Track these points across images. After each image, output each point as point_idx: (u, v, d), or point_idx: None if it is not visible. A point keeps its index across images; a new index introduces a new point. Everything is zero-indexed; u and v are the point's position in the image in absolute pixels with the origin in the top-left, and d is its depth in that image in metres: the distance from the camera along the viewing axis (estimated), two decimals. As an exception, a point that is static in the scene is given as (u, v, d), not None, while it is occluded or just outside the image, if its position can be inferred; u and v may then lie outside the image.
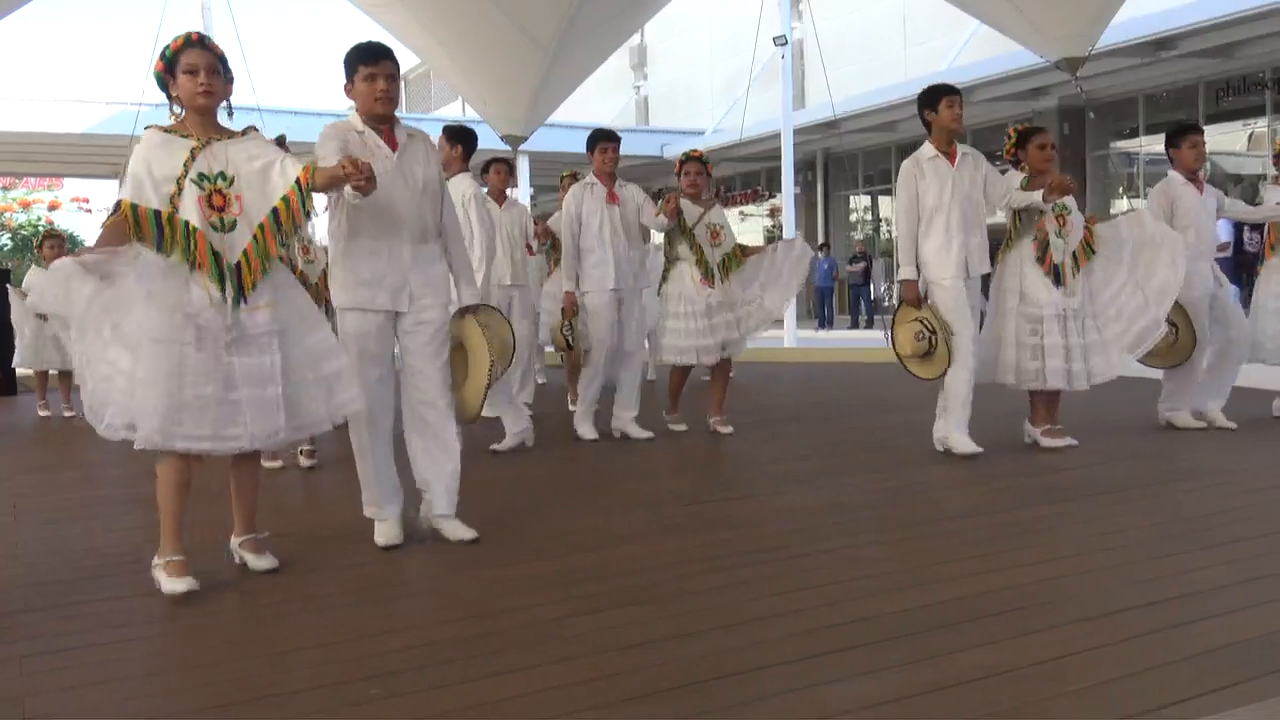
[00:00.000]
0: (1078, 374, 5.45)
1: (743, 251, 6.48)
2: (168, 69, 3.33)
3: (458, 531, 3.87)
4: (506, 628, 2.89)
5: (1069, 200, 5.54)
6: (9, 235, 29.11)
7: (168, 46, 3.34)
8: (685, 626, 2.85)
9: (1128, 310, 5.56)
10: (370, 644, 2.81)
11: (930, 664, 2.51)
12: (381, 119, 3.80)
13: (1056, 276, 5.42)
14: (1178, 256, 5.54)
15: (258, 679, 2.59)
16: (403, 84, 40.04)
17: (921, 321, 5.28)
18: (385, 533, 3.86)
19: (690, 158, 6.49)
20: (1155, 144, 17.25)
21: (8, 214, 29.16)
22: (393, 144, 3.80)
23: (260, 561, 3.55)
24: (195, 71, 3.30)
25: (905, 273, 5.34)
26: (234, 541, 3.63)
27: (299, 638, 2.91)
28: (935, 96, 5.35)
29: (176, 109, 3.40)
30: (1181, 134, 6.03)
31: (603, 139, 6.26)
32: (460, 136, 5.95)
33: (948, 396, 5.38)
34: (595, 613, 3.01)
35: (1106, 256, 5.63)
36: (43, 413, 8.84)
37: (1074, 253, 5.51)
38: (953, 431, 5.36)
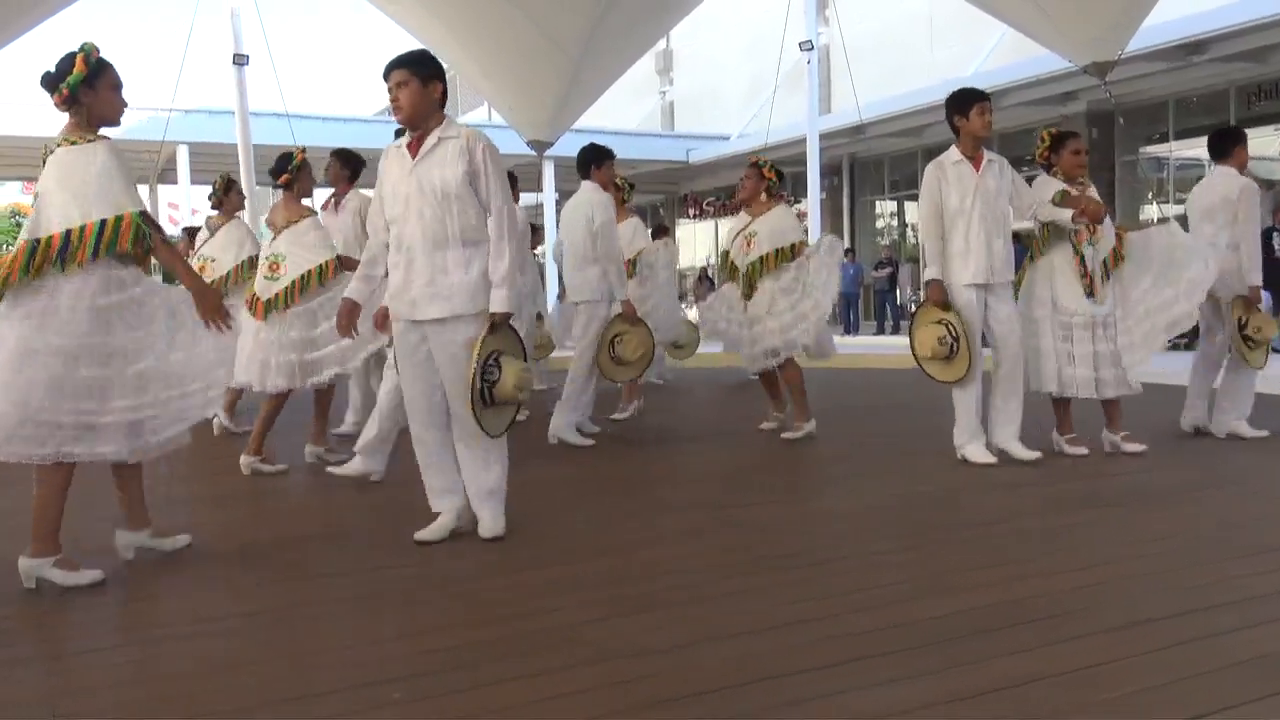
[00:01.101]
0: (1103, 381, 5.40)
1: (778, 257, 6.25)
2: None
3: (485, 527, 3.93)
4: (530, 631, 2.88)
5: None
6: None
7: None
8: (710, 631, 2.83)
9: (1156, 304, 5.55)
10: (393, 647, 2.81)
11: (960, 671, 2.48)
12: (409, 126, 3.81)
13: (1090, 285, 5.40)
14: (1210, 257, 5.52)
15: (283, 681, 2.59)
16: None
17: (946, 325, 5.23)
18: (428, 529, 3.93)
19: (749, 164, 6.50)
20: (1185, 149, 17.09)
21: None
22: (415, 151, 3.78)
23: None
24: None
25: (931, 273, 5.30)
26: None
27: (323, 641, 2.91)
28: (968, 102, 5.30)
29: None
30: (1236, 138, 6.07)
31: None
32: (349, 160, 6.38)
33: (955, 405, 5.33)
34: (619, 617, 3.00)
35: (1136, 260, 5.61)
36: None
37: (1104, 260, 5.47)
38: (967, 441, 5.30)
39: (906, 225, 23.72)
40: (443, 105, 3.81)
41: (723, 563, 3.57)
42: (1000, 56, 18.33)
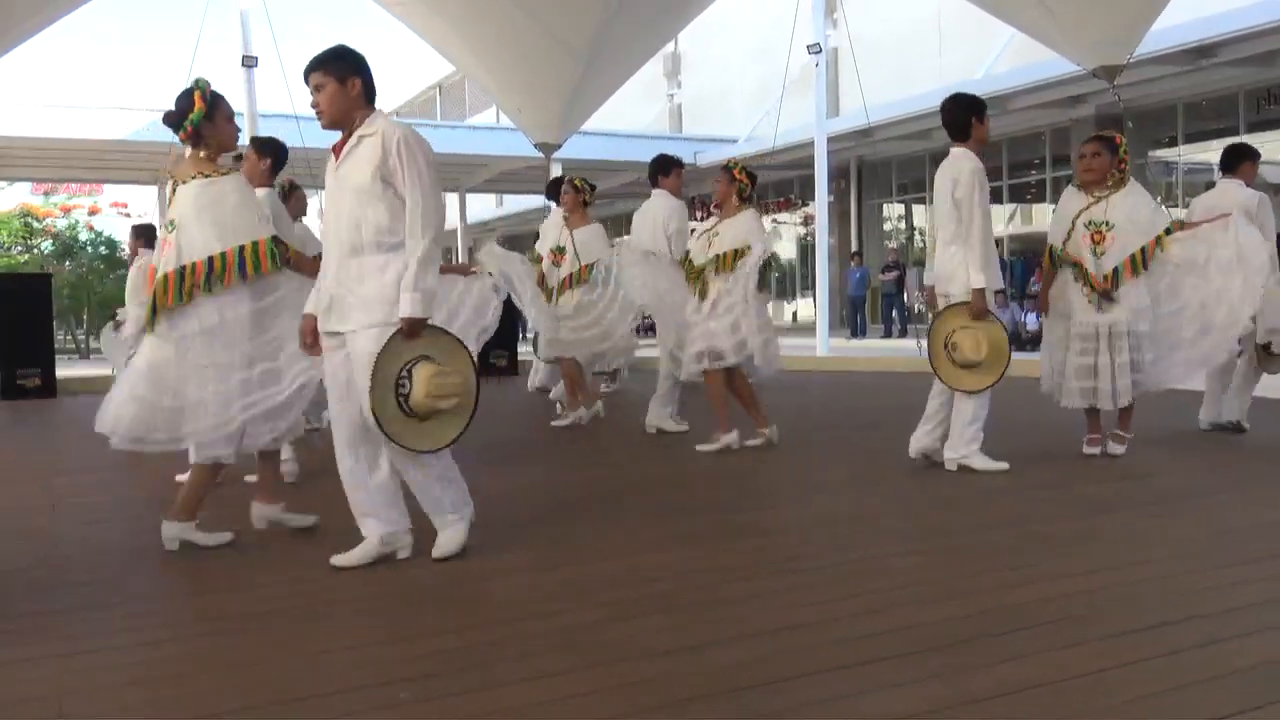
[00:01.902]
0: (1103, 393, 5.42)
1: (735, 257, 6.05)
2: None
3: (436, 546, 3.71)
4: (536, 633, 2.89)
5: (1113, 213, 5.43)
6: (50, 240, 29.53)
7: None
8: (716, 634, 2.84)
9: (1186, 335, 5.51)
10: (401, 648, 2.83)
11: (965, 676, 2.48)
12: (332, 129, 3.64)
13: (1094, 296, 5.41)
14: (1255, 276, 5.37)
15: (290, 681, 2.60)
16: (438, 91, 40.37)
17: (986, 334, 5.11)
18: (346, 554, 3.67)
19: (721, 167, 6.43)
20: (1194, 153, 17.06)
21: (49, 219, 29.59)
22: (339, 153, 3.62)
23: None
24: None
25: (982, 280, 5.09)
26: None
27: (331, 641, 2.93)
28: (984, 109, 5.33)
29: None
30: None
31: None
32: (270, 149, 5.68)
33: (963, 415, 5.20)
34: (625, 619, 3.01)
35: (1180, 268, 5.50)
36: None
37: (1116, 268, 5.38)
38: (976, 450, 5.21)
39: (914, 228, 23.71)
40: (370, 101, 3.59)
41: (728, 566, 3.58)
42: (1008, 60, 18.31)
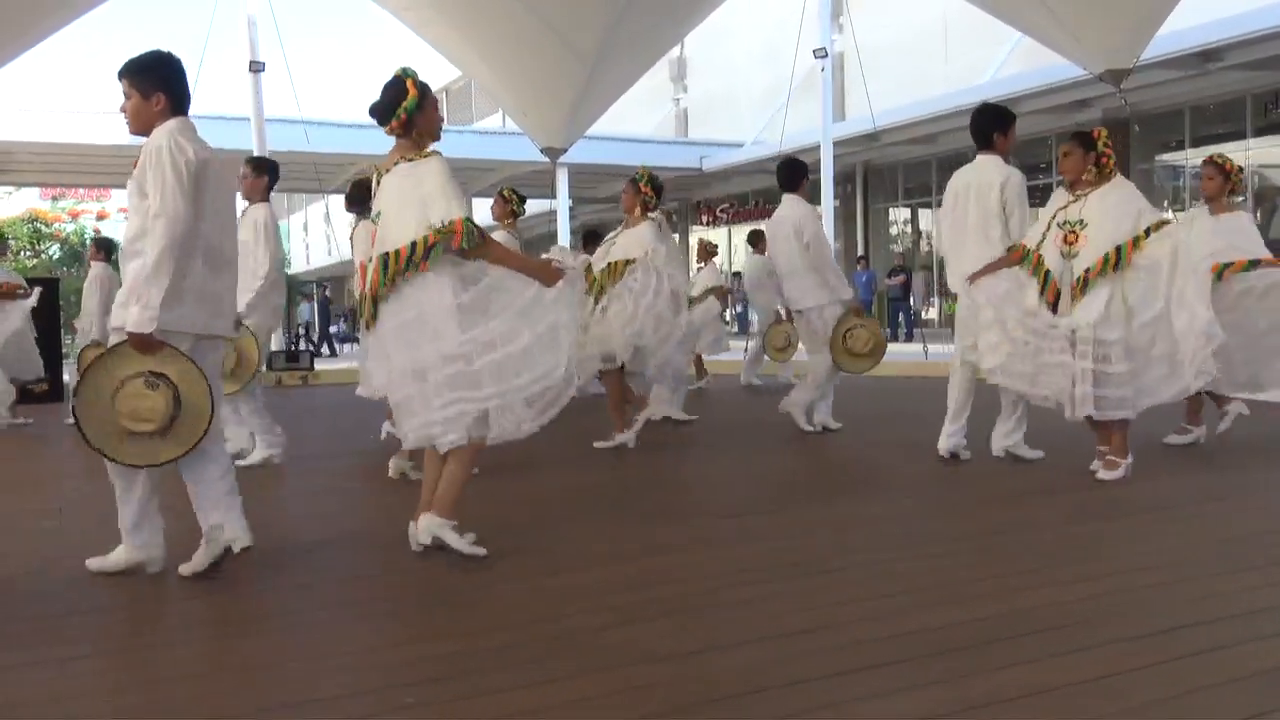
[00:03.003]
0: (1065, 394, 5.11)
1: (626, 265, 6.23)
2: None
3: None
4: (541, 637, 2.90)
5: (1088, 212, 5.09)
6: (58, 245, 29.66)
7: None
8: (720, 639, 2.85)
9: (1159, 350, 4.97)
10: (407, 651, 2.83)
11: (968, 681, 2.48)
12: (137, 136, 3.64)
13: (1055, 301, 5.09)
14: (1203, 290, 4.91)
15: (297, 684, 2.61)
16: (444, 95, 40.43)
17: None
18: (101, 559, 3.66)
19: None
20: (1201, 157, 17.01)
21: (56, 224, 29.73)
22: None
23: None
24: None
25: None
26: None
27: (337, 645, 2.93)
28: (1011, 122, 5.43)
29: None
30: None
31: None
32: (268, 167, 6.17)
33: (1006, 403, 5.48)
34: (630, 623, 3.01)
35: (1149, 270, 5.00)
36: None
37: (1089, 269, 5.00)
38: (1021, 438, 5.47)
39: (920, 233, 23.68)
40: (176, 112, 3.56)
41: (732, 570, 3.58)
42: (1015, 64, 18.29)
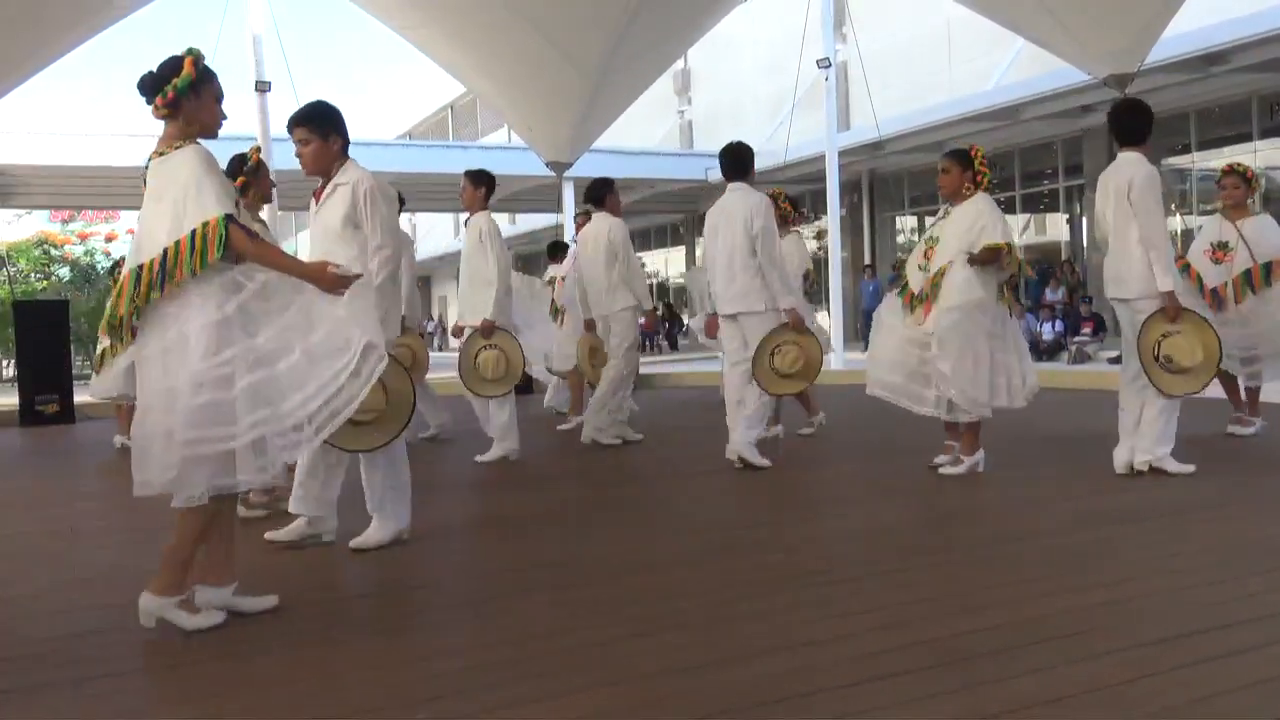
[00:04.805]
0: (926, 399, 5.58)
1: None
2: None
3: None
4: (554, 651, 2.89)
5: (945, 229, 5.45)
6: (68, 267, 29.78)
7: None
8: (734, 651, 2.83)
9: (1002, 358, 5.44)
10: (418, 667, 2.82)
11: (982, 690, 2.46)
12: (315, 175, 4.18)
13: (913, 305, 5.46)
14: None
15: (309, 702, 2.60)
16: (449, 112, 40.58)
17: (1199, 338, 4.99)
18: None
19: None
20: (1207, 160, 16.98)
21: (66, 246, 29.86)
22: (318, 197, 4.21)
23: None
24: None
25: (1171, 283, 4.98)
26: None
27: (348, 661, 2.93)
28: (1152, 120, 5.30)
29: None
30: None
31: None
32: (482, 179, 7.17)
33: (1163, 417, 5.11)
34: (643, 636, 3.00)
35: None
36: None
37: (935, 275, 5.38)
38: (1167, 452, 5.15)
39: (927, 241, 23.64)
40: (345, 152, 4.17)
41: (743, 582, 3.57)
42: (1019, 70, 18.29)
